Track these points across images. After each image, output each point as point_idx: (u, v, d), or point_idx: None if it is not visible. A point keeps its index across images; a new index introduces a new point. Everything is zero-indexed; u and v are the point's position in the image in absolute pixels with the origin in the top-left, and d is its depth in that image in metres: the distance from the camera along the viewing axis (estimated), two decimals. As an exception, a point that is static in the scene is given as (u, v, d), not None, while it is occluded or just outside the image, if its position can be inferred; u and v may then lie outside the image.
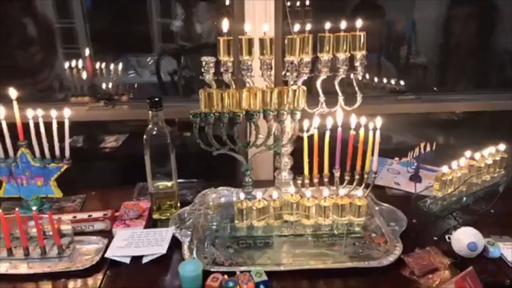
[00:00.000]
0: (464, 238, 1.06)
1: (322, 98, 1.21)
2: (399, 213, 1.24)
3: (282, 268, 1.03)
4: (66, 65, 1.80)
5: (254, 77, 1.13)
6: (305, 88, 1.10)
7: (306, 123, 1.16)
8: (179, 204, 1.31)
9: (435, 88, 2.13)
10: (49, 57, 2.05)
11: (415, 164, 1.47)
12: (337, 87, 1.20)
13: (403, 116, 1.98)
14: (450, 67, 2.20)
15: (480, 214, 1.27)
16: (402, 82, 1.98)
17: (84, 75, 1.80)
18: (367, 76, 2.01)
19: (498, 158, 1.29)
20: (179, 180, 1.44)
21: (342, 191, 1.08)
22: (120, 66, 1.93)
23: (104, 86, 1.85)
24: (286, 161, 1.25)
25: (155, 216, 1.28)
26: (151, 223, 1.26)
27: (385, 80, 1.98)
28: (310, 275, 1.03)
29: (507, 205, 1.32)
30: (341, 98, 1.22)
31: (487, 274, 1.03)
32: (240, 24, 1.17)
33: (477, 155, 1.27)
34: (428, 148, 1.44)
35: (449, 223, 1.23)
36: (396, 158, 1.57)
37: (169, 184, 1.28)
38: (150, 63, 2.34)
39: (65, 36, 2.14)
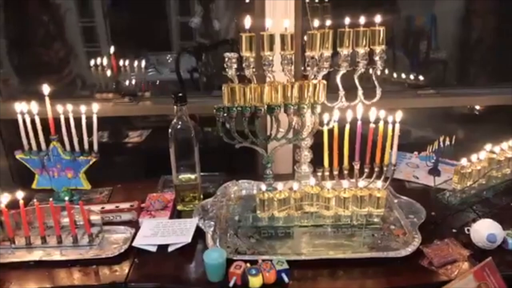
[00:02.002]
0: (483, 229, 1.07)
1: (341, 92, 1.23)
2: (418, 206, 1.26)
3: (302, 257, 1.07)
4: (91, 62, 1.86)
5: (275, 72, 1.15)
6: (325, 82, 1.12)
7: (326, 117, 1.18)
8: (202, 196, 1.35)
9: (454, 83, 2.12)
10: (73, 55, 2.12)
11: (434, 158, 1.47)
12: (356, 81, 1.22)
13: (423, 111, 1.98)
14: (470, 62, 2.19)
15: (500, 207, 1.28)
16: (421, 77, 1.98)
17: (108, 72, 1.85)
18: (386, 71, 2.03)
19: (518, 151, 1.29)
20: (201, 173, 1.50)
21: (362, 183, 1.10)
22: (142, 63, 1.98)
23: (127, 83, 1.91)
24: (306, 154, 1.27)
25: (179, 207, 1.33)
26: (176, 214, 1.31)
27: (403, 75, 1.99)
28: (330, 264, 1.06)
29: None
30: (360, 92, 1.23)
31: (506, 265, 1.04)
32: (260, 21, 1.19)
33: (497, 149, 1.28)
34: (447, 142, 1.45)
35: (468, 216, 1.23)
36: (415, 152, 1.58)
37: (192, 176, 1.33)
38: (169, 60, 2.40)
39: (87, 34, 2.22)
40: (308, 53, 1.15)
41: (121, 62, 1.90)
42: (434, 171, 1.46)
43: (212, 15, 2.33)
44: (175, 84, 2.22)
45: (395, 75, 2.01)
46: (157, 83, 2.17)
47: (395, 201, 1.30)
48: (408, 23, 2.26)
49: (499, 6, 2.05)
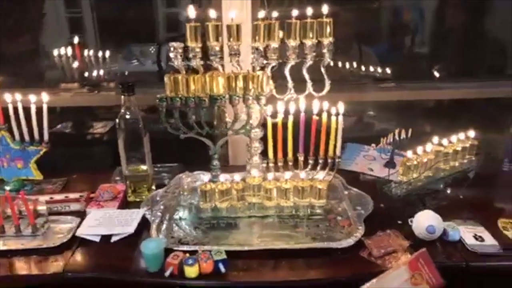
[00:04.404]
0: (424, 221, 1.08)
1: (290, 84, 1.23)
2: (367, 198, 1.26)
3: (245, 248, 1.07)
4: (55, 52, 1.85)
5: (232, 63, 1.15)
6: (269, 73, 1.12)
7: (273, 109, 1.18)
8: (154, 187, 1.35)
9: (422, 76, 2.12)
10: (42, 45, 2.09)
11: (390, 150, 1.48)
12: (305, 74, 1.22)
13: (388, 104, 1.99)
14: (438, 55, 2.19)
15: (449, 199, 1.29)
16: (388, 70, 1.99)
17: (76, 63, 1.84)
18: (355, 64, 2.04)
19: (467, 144, 1.30)
20: (158, 164, 1.50)
21: (303, 174, 1.11)
22: (119, 54, 1.98)
23: (96, 73, 1.89)
24: (257, 146, 1.27)
25: (131, 198, 1.33)
26: (126, 205, 1.30)
27: (372, 69, 2.00)
28: (274, 255, 1.06)
29: (476, 191, 1.33)
30: (309, 84, 1.23)
31: (444, 256, 1.05)
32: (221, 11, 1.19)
33: (445, 141, 1.29)
34: (403, 135, 1.46)
35: (416, 207, 1.24)
36: (373, 145, 1.58)
37: (144, 167, 1.32)
38: (152, 52, 2.38)
39: (73, 25, 2.19)
40: (253, 44, 1.14)
41: (87, 53, 1.89)
42: (390, 164, 1.47)
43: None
44: (156, 76, 2.20)
45: (363, 68, 2.02)
46: (126, 73, 2.15)
47: (345, 192, 1.30)
48: (378, 16, 2.26)
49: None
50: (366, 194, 1.28)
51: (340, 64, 2.02)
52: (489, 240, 1.07)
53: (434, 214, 1.09)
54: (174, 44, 1.14)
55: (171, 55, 1.14)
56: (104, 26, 2.12)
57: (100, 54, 1.91)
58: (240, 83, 1.11)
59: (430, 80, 1.93)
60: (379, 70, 1.99)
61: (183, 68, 1.16)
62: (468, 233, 1.10)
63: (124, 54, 2.16)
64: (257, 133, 1.25)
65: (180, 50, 1.14)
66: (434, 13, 2.23)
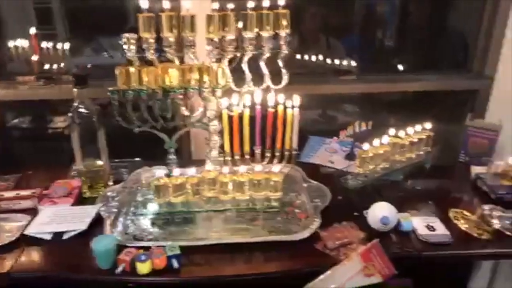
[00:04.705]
0: (378, 212, 1.09)
1: (248, 76, 1.22)
2: (326, 190, 1.27)
3: (201, 242, 1.06)
4: (11, 44, 1.78)
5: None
6: (225, 66, 1.10)
7: (229, 101, 1.16)
8: (111, 183, 1.32)
9: (387, 68, 2.15)
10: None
11: (351, 143, 1.49)
12: (262, 66, 1.21)
13: (351, 96, 2.01)
14: (403, 48, 2.22)
15: (406, 190, 1.31)
16: (353, 63, 2.00)
17: (35, 56, 1.78)
18: (321, 57, 2.04)
19: (424, 136, 1.32)
20: (117, 160, 1.46)
21: (258, 167, 1.10)
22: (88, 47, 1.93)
23: (57, 66, 1.83)
24: (216, 139, 1.26)
25: (87, 194, 1.29)
26: (82, 202, 1.27)
27: (337, 61, 2.00)
28: (231, 249, 1.05)
29: (433, 182, 1.36)
30: (267, 77, 1.22)
31: (398, 247, 1.07)
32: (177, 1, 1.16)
33: (402, 133, 1.30)
34: (363, 127, 1.47)
35: (373, 199, 1.26)
36: (335, 137, 1.59)
37: (100, 163, 1.29)
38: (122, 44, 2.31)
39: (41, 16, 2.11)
40: (207, 36, 1.12)
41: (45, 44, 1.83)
42: (350, 156, 1.48)
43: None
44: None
45: (328, 61, 2.02)
46: (89, 66, 2.09)
47: (305, 185, 1.31)
48: (347, 8, 2.27)
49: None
50: (325, 186, 1.29)
51: (306, 56, 2.04)
52: (441, 230, 1.09)
53: (388, 205, 1.10)
54: (127, 35, 1.11)
55: (124, 46, 1.11)
56: (73, 17, 2.07)
57: (62, 46, 1.85)
58: (195, 76, 1.09)
59: (394, 73, 1.96)
60: (345, 63, 2.00)
61: (137, 60, 1.13)
62: (421, 224, 1.12)
63: (93, 46, 2.10)
64: (215, 126, 1.24)
65: (133, 41, 1.11)
66: (399, 6, 2.26)
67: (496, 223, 1.09)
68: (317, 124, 1.92)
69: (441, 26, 2.17)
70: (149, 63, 1.14)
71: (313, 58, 2.05)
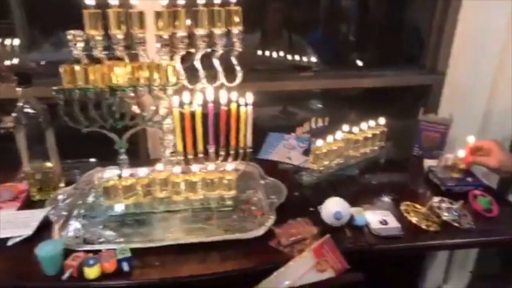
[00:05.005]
0: (331, 207, 1.11)
1: (201, 73, 1.20)
2: (282, 187, 1.27)
3: (153, 244, 1.04)
4: None
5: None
6: (175, 63, 1.08)
7: (180, 99, 1.14)
8: (62, 185, 1.27)
9: (354, 64, 2.17)
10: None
11: (309, 139, 1.50)
12: (215, 63, 1.19)
13: (312, 92, 2.03)
14: (362, 44, 2.25)
15: (361, 185, 1.33)
16: (313, 59, 2.02)
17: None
18: (282, 53, 2.04)
19: (377, 131, 1.34)
20: (70, 160, 1.42)
21: (211, 166, 1.09)
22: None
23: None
24: (170, 138, 1.24)
25: (36, 197, 1.24)
26: (30, 205, 1.22)
27: (298, 58, 2.01)
28: (186, 249, 1.03)
29: (387, 176, 1.39)
30: (221, 74, 1.21)
31: (351, 241, 1.09)
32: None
33: (356, 129, 1.32)
34: (320, 123, 1.48)
35: (329, 194, 1.27)
36: (293, 133, 1.60)
37: (49, 164, 1.24)
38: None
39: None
40: (156, 33, 1.10)
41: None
42: (308, 152, 1.49)
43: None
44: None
45: (289, 57, 2.03)
46: (43, 63, 2.02)
47: (262, 182, 1.30)
48: (310, 4, 2.28)
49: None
50: (281, 183, 1.29)
51: (268, 53, 2.03)
52: (393, 223, 1.12)
53: (341, 200, 1.12)
54: (73, 32, 1.07)
55: (70, 44, 1.07)
56: (31, 10, 1.98)
57: (10, 41, 1.77)
58: (144, 74, 1.07)
59: (353, 69, 1.98)
60: (305, 59, 2.02)
61: (85, 58, 1.09)
62: (374, 218, 1.14)
63: (53, 41, 2.01)
64: (169, 125, 1.21)
65: (79, 39, 1.07)
66: (360, 2, 2.29)
67: (444, 215, 1.13)
68: (278, 120, 1.92)
69: (399, 22, 2.22)
70: (99, 61, 1.11)
71: (274, 54, 2.07)
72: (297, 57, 2.03)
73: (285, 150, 1.53)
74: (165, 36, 1.09)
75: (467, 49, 1.57)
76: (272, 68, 1.99)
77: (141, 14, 1.08)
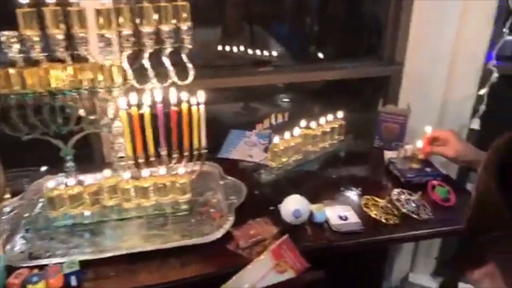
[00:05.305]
0: (290, 206, 1.08)
1: (151, 73, 1.15)
2: (242, 186, 1.24)
3: (103, 255, 0.98)
4: None
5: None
6: (120, 63, 1.03)
7: (127, 101, 1.09)
8: (7, 196, 1.20)
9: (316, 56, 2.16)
10: None
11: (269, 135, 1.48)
12: (165, 61, 1.14)
13: (275, 87, 2.01)
14: (323, 36, 2.24)
15: (322, 180, 1.32)
16: (274, 53, 1.99)
17: None
18: (242, 47, 2.00)
19: (336, 125, 1.33)
20: (15, 169, 1.34)
21: (162, 170, 1.05)
22: None
23: None
24: (121, 142, 1.18)
25: (-22, 210, 1.16)
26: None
27: (258, 52, 1.98)
28: (143, 257, 0.99)
29: (349, 170, 1.38)
30: (172, 73, 1.16)
31: (311, 239, 1.07)
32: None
33: (313, 124, 1.30)
34: (280, 119, 1.46)
35: (289, 192, 1.24)
36: (254, 130, 1.56)
37: (-8, 174, 1.17)
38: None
39: None
40: (98, 32, 1.03)
41: None
42: (268, 149, 1.46)
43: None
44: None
45: (250, 51, 1.99)
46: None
47: (221, 182, 1.27)
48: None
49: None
50: (242, 182, 1.26)
51: (228, 48, 1.99)
52: (352, 219, 1.10)
53: (300, 197, 1.09)
54: (6, 32, 0.99)
55: (4, 46, 0.99)
56: None
57: None
58: (88, 75, 1.01)
59: (313, 62, 1.97)
60: (266, 53, 1.99)
61: (21, 60, 1.02)
62: (334, 214, 1.12)
63: None
64: (119, 128, 1.16)
65: (14, 40, 1.00)
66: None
67: (403, 207, 1.12)
68: (240, 117, 1.89)
69: (358, 14, 2.22)
70: (39, 63, 1.04)
71: (235, 49, 2.03)
72: (258, 52, 2.00)
73: (246, 147, 1.49)
74: (108, 35, 1.03)
75: (423, 40, 1.57)
76: (233, 63, 1.95)
77: (80, 12, 1.02)
